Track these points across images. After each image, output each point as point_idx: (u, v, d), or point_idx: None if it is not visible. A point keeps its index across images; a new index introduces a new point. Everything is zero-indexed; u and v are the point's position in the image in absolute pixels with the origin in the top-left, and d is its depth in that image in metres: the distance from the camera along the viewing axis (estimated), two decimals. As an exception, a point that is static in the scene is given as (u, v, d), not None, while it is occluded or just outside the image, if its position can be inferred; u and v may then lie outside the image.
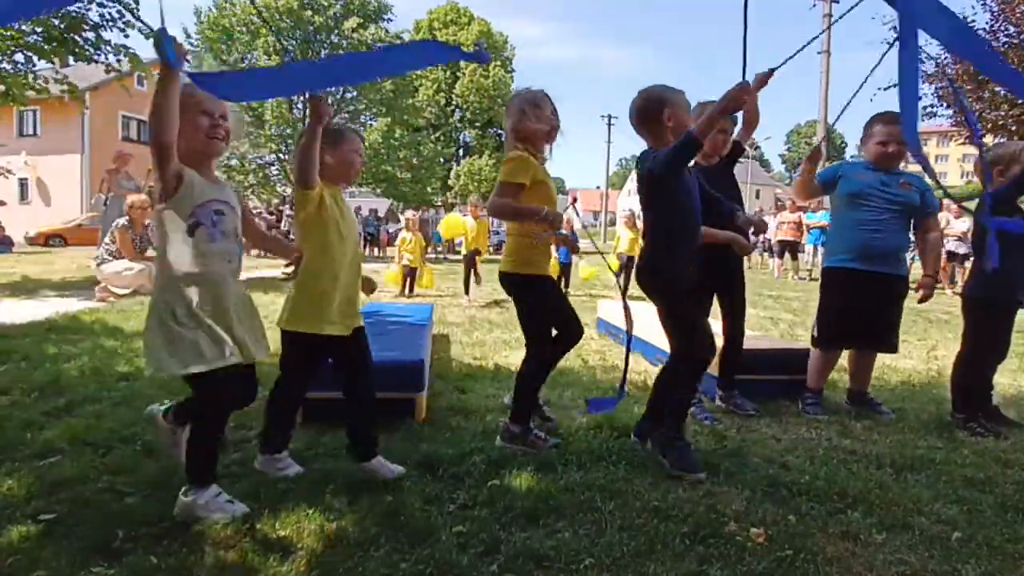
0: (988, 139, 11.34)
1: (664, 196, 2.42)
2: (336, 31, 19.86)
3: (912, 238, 3.42)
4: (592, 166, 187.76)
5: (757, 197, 44.03)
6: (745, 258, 3.35)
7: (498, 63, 35.68)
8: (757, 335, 4.56)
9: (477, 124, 36.13)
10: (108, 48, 8.51)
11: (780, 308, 7.68)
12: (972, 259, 3.41)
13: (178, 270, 1.83)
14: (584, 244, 12.22)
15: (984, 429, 2.92)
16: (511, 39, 37.72)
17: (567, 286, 9.34)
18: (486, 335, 5.10)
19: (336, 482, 2.12)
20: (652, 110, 2.40)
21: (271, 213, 19.96)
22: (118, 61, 8.76)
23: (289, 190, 21.83)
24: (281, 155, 20.36)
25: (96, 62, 8.65)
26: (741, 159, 3.27)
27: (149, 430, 2.22)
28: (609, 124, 44.44)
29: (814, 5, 19.09)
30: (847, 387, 3.43)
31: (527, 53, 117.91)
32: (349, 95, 21.25)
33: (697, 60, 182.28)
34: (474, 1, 35.88)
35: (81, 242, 18.78)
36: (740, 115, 2.96)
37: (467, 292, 7.62)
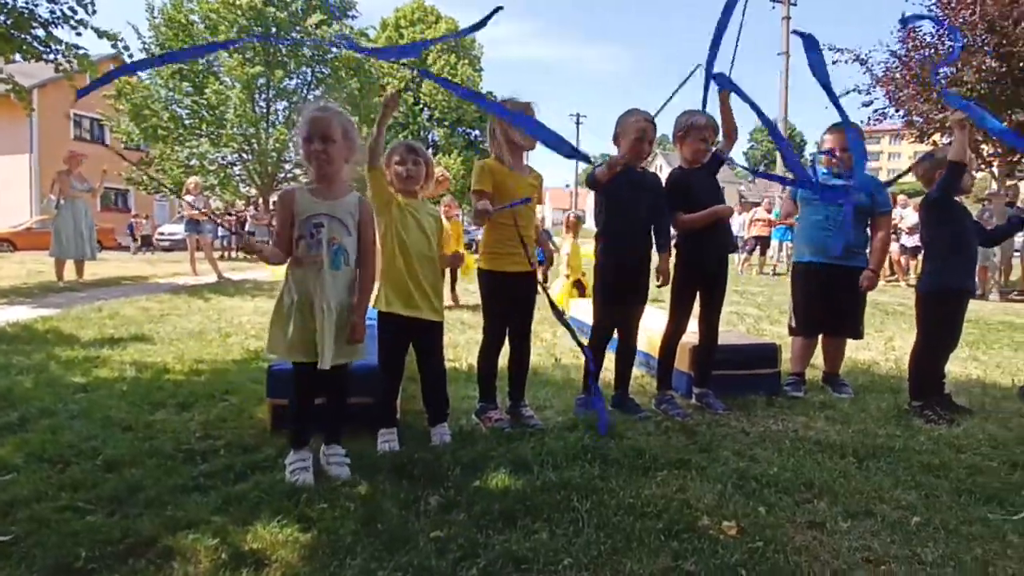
0: (936, 138, 11.80)
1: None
2: (298, 27, 19.43)
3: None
4: (561, 165, 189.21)
5: (721, 193, 44.96)
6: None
7: (466, 61, 35.53)
8: (724, 330, 4.66)
9: (446, 123, 35.94)
10: (59, 47, 8.13)
11: (745, 303, 7.87)
12: (924, 253, 3.59)
13: None
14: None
15: (938, 416, 3.05)
16: (479, 38, 37.50)
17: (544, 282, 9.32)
18: (459, 336, 5.08)
19: (310, 490, 2.08)
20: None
21: (230, 214, 19.47)
22: (67, 61, 8.37)
23: (253, 191, 21.30)
24: (244, 155, 19.80)
25: (46, 61, 8.26)
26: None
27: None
28: (578, 123, 44.66)
29: (773, 7, 19.62)
30: (822, 370, 3.79)
31: (496, 52, 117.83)
32: (312, 95, 20.83)
33: (667, 60, 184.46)
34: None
35: (31, 247, 17.97)
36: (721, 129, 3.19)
37: (452, 291, 7.40)
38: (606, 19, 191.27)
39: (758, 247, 13.55)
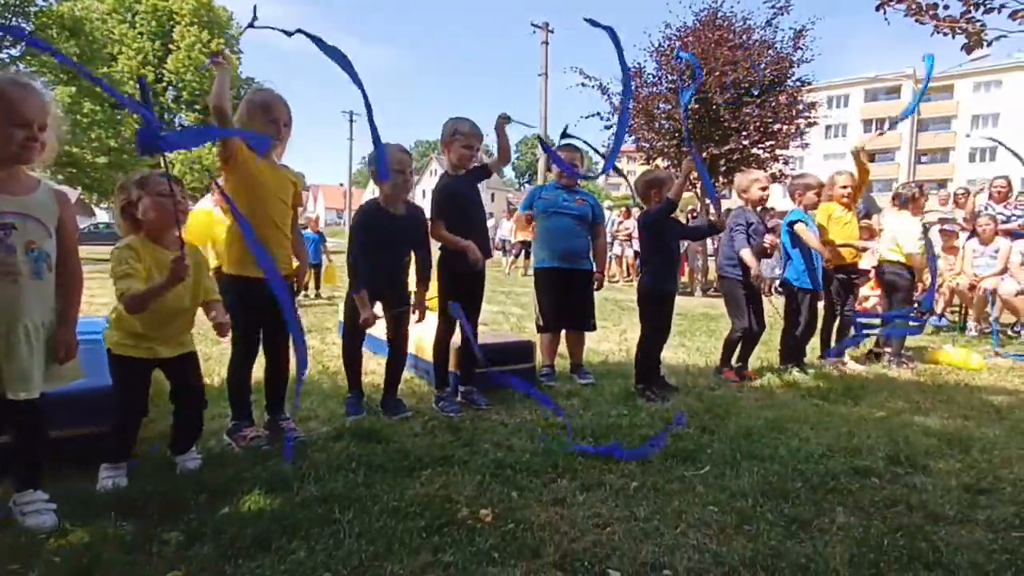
0: (659, 162, 14.26)
1: None
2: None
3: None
4: (335, 163, 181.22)
5: (492, 200, 47.87)
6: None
7: (222, 40, 31.76)
8: (488, 330, 5.00)
9: (196, 107, 31.54)
10: None
11: (511, 303, 8.51)
12: (641, 261, 4.32)
13: None
14: (333, 243, 11.79)
15: (654, 395, 3.70)
16: (236, 16, 33.78)
17: (317, 288, 8.87)
18: (211, 348, 4.55)
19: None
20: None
21: None
22: None
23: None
24: None
25: None
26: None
27: None
28: (351, 121, 43.19)
29: (533, 32, 21.61)
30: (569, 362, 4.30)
31: (255, 34, 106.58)
32: (7, 54, 16.55)
33: (438, 60, 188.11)
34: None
35: None
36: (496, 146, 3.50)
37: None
38: (381, 14, 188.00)
39: (524, 251, 14.77)
